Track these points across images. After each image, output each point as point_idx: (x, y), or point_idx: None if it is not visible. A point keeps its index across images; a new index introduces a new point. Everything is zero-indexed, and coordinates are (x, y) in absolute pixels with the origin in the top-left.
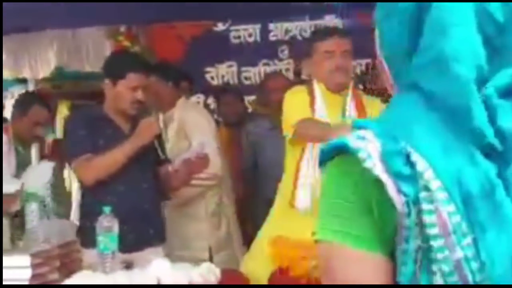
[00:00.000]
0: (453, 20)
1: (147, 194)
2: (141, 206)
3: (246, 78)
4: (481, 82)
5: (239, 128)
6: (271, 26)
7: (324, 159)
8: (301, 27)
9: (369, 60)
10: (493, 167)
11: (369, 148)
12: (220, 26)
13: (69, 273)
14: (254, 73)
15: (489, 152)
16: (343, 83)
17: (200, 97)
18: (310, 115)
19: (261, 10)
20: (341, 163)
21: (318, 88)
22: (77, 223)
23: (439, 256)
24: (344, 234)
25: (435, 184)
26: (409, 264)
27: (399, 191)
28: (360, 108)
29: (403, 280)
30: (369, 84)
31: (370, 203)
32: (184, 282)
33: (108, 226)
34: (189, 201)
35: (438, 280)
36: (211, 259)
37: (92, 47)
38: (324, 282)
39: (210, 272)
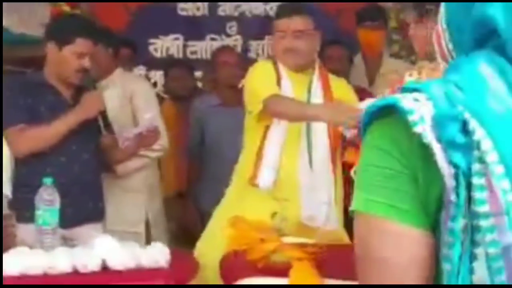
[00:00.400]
0: None
1: (88, 165)
2: (81, 179)
3: (192, 53)
4: None
5: (187, 103)
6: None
7: (369, 120)
8: (251, 3)
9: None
10: None
11: (422, 111)
12: None
13: (3, 249)
14: (201, 48)
15: None
16: (296, 65)
17: (142, 69)
18: (278, 92)
19: None
20: (389, 125)
21: (283, 66)
22: (10, 195)
23: (488, 237)
24: (389, 207)
25: (492, 157)
26: (456, 246)
27: (450, 161)
28: (326, 88)
29: (447, 266)
30: None
31: (417, 173)
32: (132, 264)
33: (49, 199)
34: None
35: (480, 266)
36: (147, 233)
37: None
38: (359, 257)
39: (160, 253)
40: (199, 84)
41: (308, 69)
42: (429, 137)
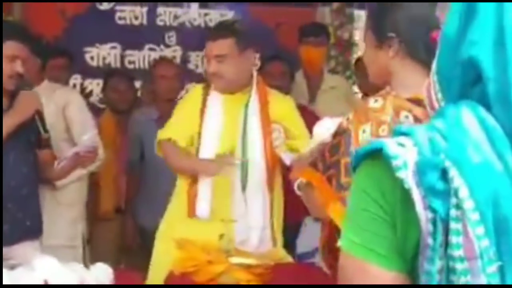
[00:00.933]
0: None
1: (26, 179)
2: (19, 193)
3: (130, 62)
4: None
5: (127, 115)
6: (159, 10)
7: (358, 162)
8: (190, 14)
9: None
10: None
11: (406, 156)
12: (105, 5)
13: None
14: (139, 58)
15: None
16: (222, 89)
17: (78, 78)
18: (197, 125)
19: None
20: (374, 167)
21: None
22: None
23: (462, 279)
24: (368, 250)
25: (468, 204)
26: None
27: (429, 206)
28: (264, 106)
29: None
30: None
31: (396, 220)
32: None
33: None
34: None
35: None
36: (84, 247)
37: None
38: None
39: (103, 273)
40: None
41: (245, 88)
42: (410, 183)
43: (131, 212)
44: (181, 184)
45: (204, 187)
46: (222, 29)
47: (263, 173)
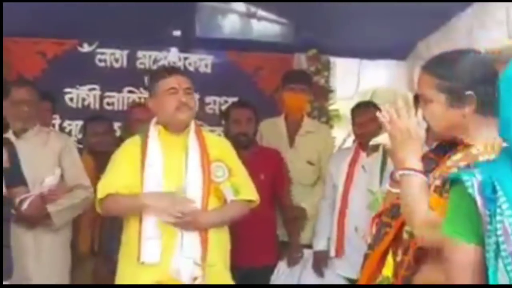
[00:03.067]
0: None
1: None
2: None
3: (108, 104)
4: None
5: (106, 156)
6: (139, 53)
7: (446, 186)
8: (169, 57)
9: (234, 98)
10: None
11: (473, 180)
12: (86, 47)
13: None
14: (118, 99)
15: None
16: (187, 120)
17: (57, 119)
18: (138, 175)
19: (130, 36)
20: (458, 188)
21: (156, 133)
22: None
23: (503, 253)
24: (459, 233)
25: (504, 205)
26: (490, 254)
27: (486, 207)
28: (203, 146)
29: (489, 264)
30: None
31: (473, 214)
32: None
33: None
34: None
35: (502, 269)
36: None
37: None
38: (446, 261)
39: None
40: (117, 134)
41: (186, 128)
42: (476, 195)
43: (104, 253)
44: (128, 230)
45: (151, 229)
46: (177, 68)
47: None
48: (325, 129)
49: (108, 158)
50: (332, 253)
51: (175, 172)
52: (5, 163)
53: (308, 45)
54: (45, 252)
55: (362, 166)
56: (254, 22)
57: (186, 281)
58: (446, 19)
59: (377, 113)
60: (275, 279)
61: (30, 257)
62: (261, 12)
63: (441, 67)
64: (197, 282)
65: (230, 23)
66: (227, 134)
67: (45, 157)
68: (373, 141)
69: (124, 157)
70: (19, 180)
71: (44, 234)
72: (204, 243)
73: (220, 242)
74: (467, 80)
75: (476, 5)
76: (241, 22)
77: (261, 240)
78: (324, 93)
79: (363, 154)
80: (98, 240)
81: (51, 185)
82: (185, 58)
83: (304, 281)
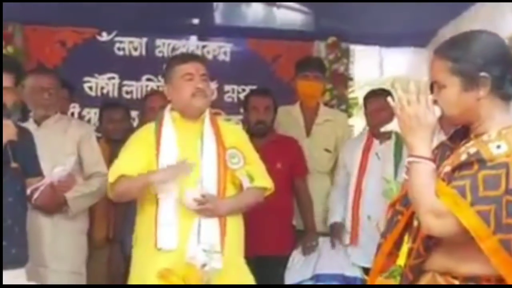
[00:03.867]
0: None
1: (12, 209)
2: (4, 223)
3: (127, 92)
4: None
5: (122, 144)
6: (158, 41)
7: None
8: (188, 45)
9: (253, 87)
10: None
11: None
12: (105, 36)
13: None
14: (136, 88)
15: None
16: (202, 107)
17: (76, 107)
18: (153, 162)
19: (149, 25)
20: None
21: (170, 120)
22: None
23: None
24: None
25: None
26: None
27: None
28: (218, 133)
29: None
30: None
31: None
32: None
33: None
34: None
35: None
36: None
37: None
38: None
39: None
40: (135, 124)
41: (200, 116)
42: None
43: (119, 241)
44: (143, 216)
45: (168, 215)
46: (195, 56)
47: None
48: (343, 117)
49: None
50: (347, 241)
51: (190, 159)
52: (21, 155)
53: (328, 33)
54: (61, 239)
55: (375, 154)
56: (273, 10)
57: (200, 267)
58: (467, 7)
59: (388, 99)
60: (290, 267)
61: (46, 244)
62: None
63: (453, 49)
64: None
65: (249, 11)
66: (246, 122)
67: (64, 144)
68: (384, 128)
69: (137, 143)
70: (36, 171)
71: (61, 221)
72: (223, 229)
73: (236, 229)
74: (481, 61)
75: None
76: (259, 10)
77: (277, 228)
78: (343, 80)
79: (376, 142)
80: (113, 228)
81: (61, 175)
82: (204, 46)
83: (319, 270)
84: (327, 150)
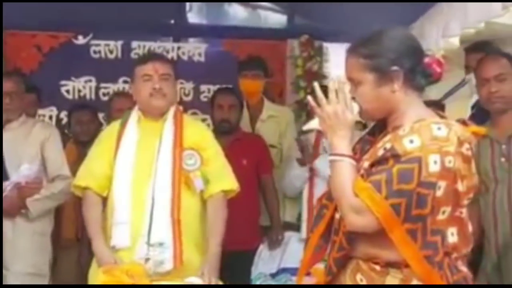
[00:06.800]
0: None
1: None
2: None
3: (104, 94)
4: None
5: (89, 146)
6: (134, 43)
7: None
8: (164, 47)
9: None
10: None
11: None
12: (81, 39)
13: None
14: (113, 90)
15: None
16: (160, 107)
17: (53, 110)
18: (110, 161)
19: (124, 27)
20: None
21: (135, 120)
22: None
23: None
24: None
25: None
26: None
27: None
28: (178, 133)
29: None
30: None
31: None
32: None
33: None
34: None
35: None
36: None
37: None
38: None
39: None
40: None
41: (162, 116)
42: None
43: (87, 240)
44: (106, 215)
45: (121, 214)
46: (156, 55)
47: (169, 195)
48: (287, 112)
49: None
50: (304, 235)
51: (147, 159)
52: None
53: (301, 31)
54: (21, 240)
55: (323, 148)
56: (247, 10)
57: (152, 267)
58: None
59: (309, 98)
60: (257, 262)
61: (7, 247)
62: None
63: (365, 47)
64: (164, 267)
65: (223, 11)
66: (212, 121)
67: (28, 147)
68: (306, 126)
69: (101, 143)
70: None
71: (22, 223)
72: (176, 228)
73: (193, 228)
74: (392, 56)
75: None
76: (233, 10)
77: (244, 224)
78: (317, 78)
79: (322, 136)
80: (82, 227)
81: (27, 175)
82: (179, 48)
83: (284, 265)
84: (271, 146)
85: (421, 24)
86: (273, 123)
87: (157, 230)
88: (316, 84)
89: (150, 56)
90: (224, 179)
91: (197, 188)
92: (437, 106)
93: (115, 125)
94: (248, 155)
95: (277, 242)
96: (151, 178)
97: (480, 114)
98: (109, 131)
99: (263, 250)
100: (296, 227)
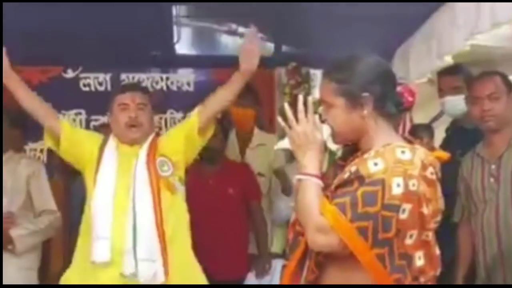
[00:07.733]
0: None
1: None
2: None
3: (95, 127)
4: None
5: (74, 180)
6: (123, 75)
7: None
8: (153, 78)
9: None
10: None
11: None
12: (70, 73)
13: None
14: (104, 122)
15: None
16: (136, 137)
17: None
18: (92, 174)
19: (113, 59)
20: None
21: (113, 144)
22: None
23: None
24: None
25: None
26: None
27: None
28: (153, 145)
29: None
30: None
31: None
32: None
33: None
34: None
35: None
36: None
37: None
38: None
39: None
40: None
41: (139, 143)
42: None
43: None
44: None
45: (101, 229)
46: (134, 85)
47: (150, 203)
48: (276, 140)
49: (76, 180)
50: None
51: (125, 176)
52: None
53: (289, 58)
54: (8, 276)
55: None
56: (234, 38)
57: (144, 279)
58: (419, 27)
59: (278, 117)
60: None
61: None
62: (241, 29)
63: (338, 72)
64: (158, 279)
65: (211, 41)
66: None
67: (13, 182)
68: (278, 146)
69: (88, 134)
70: None
71: (8, 259)
72: (162, 240)
73: (177, 236)
74: (363, 82)
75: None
76: (221, 39)
77: (232, 254)
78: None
79: None
80: (69, 260)
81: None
82: (167, 78)
83: None
84: (260, 174)
85: (415, 43)
86: (262, 151)
87: (143, 243)
88: (285, 104)
89: (129, 86)
90: None
91: (178, 189)
92: (426, 129)
93: (99, 137)
94: (234, 184)
95: (264, 272)
96: (130, 191)
97: (455, 136)
98: (95, 137)
99: (251, 278)
100: (284, 256)
